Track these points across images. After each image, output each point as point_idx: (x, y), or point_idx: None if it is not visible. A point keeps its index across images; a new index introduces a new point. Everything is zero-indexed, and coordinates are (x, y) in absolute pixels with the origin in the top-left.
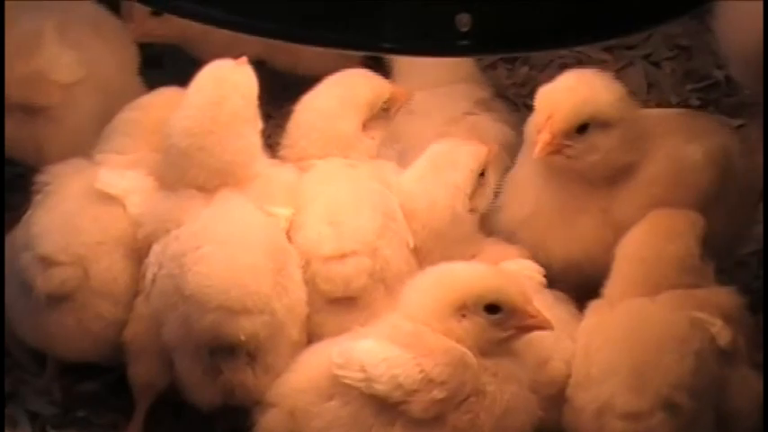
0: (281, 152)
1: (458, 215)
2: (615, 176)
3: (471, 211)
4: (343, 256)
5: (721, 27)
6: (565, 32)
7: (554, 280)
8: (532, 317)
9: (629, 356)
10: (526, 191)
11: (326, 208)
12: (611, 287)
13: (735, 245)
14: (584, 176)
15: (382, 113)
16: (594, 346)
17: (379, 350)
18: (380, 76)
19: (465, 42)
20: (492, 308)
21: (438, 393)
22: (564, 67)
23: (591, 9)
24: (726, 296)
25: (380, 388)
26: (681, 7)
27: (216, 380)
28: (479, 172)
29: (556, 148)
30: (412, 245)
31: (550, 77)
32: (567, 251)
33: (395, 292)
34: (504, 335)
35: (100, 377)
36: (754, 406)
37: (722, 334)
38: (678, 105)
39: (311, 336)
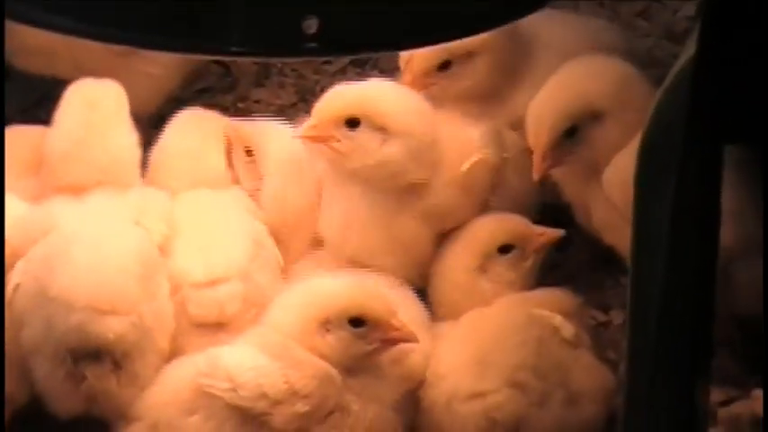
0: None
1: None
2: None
3: None
4: (214, 282)
5: None
6: (410, 35)
7: None
8: (397, 330)
9: (472, 351)
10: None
11: (196, 235)
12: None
13: None
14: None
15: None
16: (441, 350)
17: (247, 359)
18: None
19: (312, 45)
20: (356, 321)
21: (301, 407)
22: None
23: (436, 13)
24: (561, 296)
25: (245, 396)
26: (523, 8)
27: (79, 386)
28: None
29: (320, 137)
30: (282, 263)
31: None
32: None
33: None
34: (369, 348)
35: None
36: (600, 388)
37: (564, 327)
38: None
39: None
